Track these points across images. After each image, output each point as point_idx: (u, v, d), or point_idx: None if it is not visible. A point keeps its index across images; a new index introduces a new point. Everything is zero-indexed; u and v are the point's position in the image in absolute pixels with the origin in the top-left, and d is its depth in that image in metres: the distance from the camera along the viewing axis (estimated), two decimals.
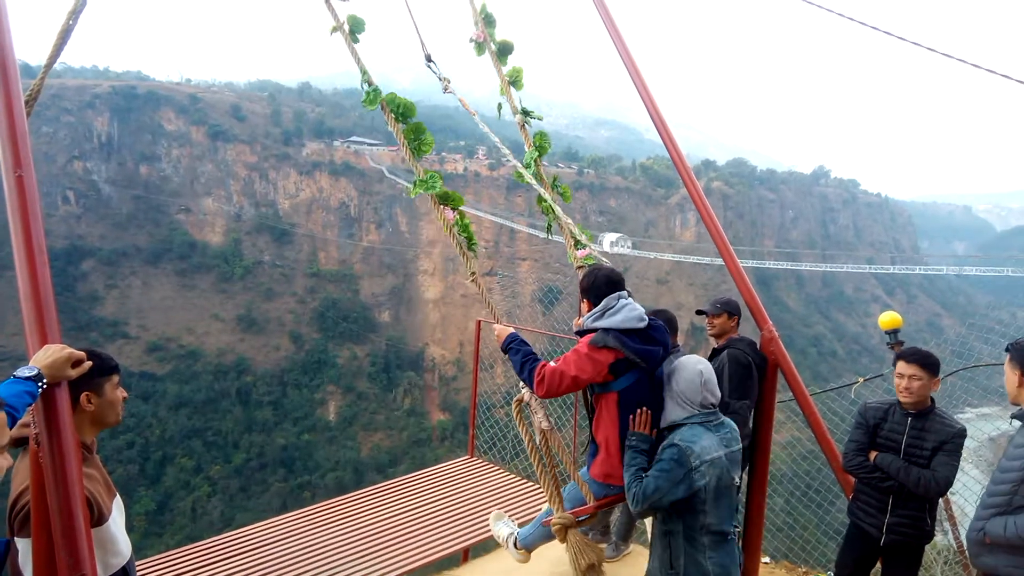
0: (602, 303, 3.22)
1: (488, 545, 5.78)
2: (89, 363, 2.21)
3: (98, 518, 2.25)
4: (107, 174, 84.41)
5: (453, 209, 3.75)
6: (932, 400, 3.63)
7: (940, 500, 3.97)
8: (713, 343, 4.70)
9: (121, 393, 2.51)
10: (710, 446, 2.90)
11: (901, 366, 3.62)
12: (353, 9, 3.81)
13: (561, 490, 3.34)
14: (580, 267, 3.99)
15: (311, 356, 78.97)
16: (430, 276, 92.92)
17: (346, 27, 3.74)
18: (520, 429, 3.37)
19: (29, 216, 2.18)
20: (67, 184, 79.21)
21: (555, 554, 5.49)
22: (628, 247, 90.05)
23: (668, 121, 4.78)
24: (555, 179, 4.36)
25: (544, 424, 3.32)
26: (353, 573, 4.85)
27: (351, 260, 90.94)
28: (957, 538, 4.91)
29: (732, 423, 3.13)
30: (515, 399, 3.41)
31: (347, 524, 5.55)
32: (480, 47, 4.33)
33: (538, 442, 3.36)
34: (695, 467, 2.84)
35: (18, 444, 2.31)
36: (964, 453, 3.59)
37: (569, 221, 4.16)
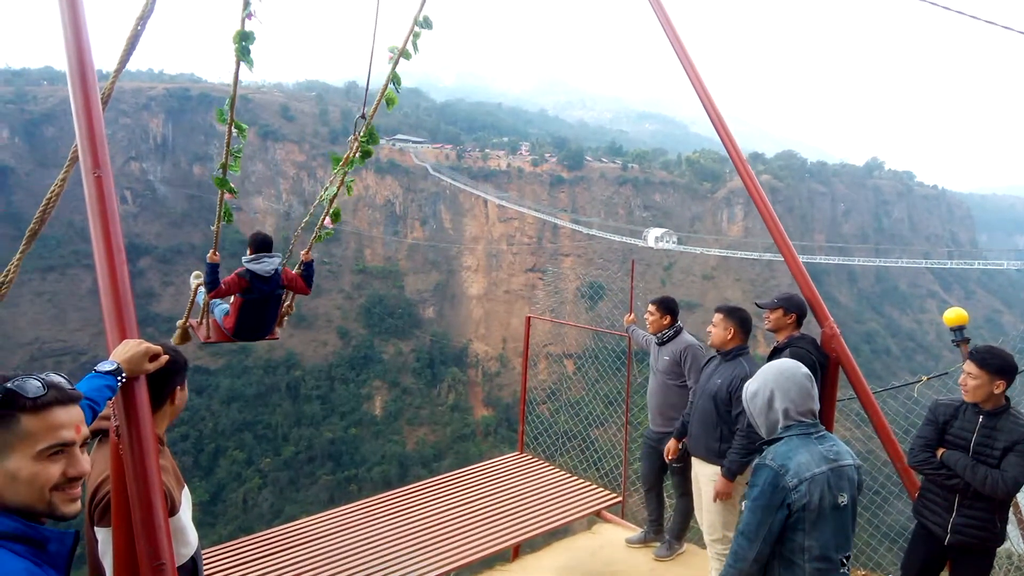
0: (256, 255, 5.63)
1: (537, 543, 5.80)
2: (166, 357, 2.28)
3: (171, 508, 2.31)
4: (162, 174, 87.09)
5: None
6: (1007, 399, 3.51)
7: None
8: (770, 343, 4.63)
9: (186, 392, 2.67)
10: (809, 461, 2.60)
11: (966, 364, 3.55)
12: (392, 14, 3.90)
13: (211, 317, 5.96)
14: (319, 236, 5.37)
15: (358, 352, 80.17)
16: (473, 272, 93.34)
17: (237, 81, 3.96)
18: (192, 296, 5.90)
19: (108, 215, 2.26)
20: (124, 184, 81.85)
21: (608, 554, 5.47)
22: (673, 242, 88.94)
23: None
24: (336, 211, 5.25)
25: (207, 299, 5.72)
26: (405, 568, 4.91)
27: (396, 257, 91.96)
28: None
29: (836, 438, 2.82)
30: (197, 284, 5.85)
31: (398, 519, 5.62)
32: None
33: (200, 301, 5.88)
34: (793, 487, 2.56)
35: (94, 435, 2.39)
36: None
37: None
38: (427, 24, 4.05)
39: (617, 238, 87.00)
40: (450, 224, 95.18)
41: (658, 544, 5.42)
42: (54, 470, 1.49)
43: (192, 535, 2.53)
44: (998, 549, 3.66)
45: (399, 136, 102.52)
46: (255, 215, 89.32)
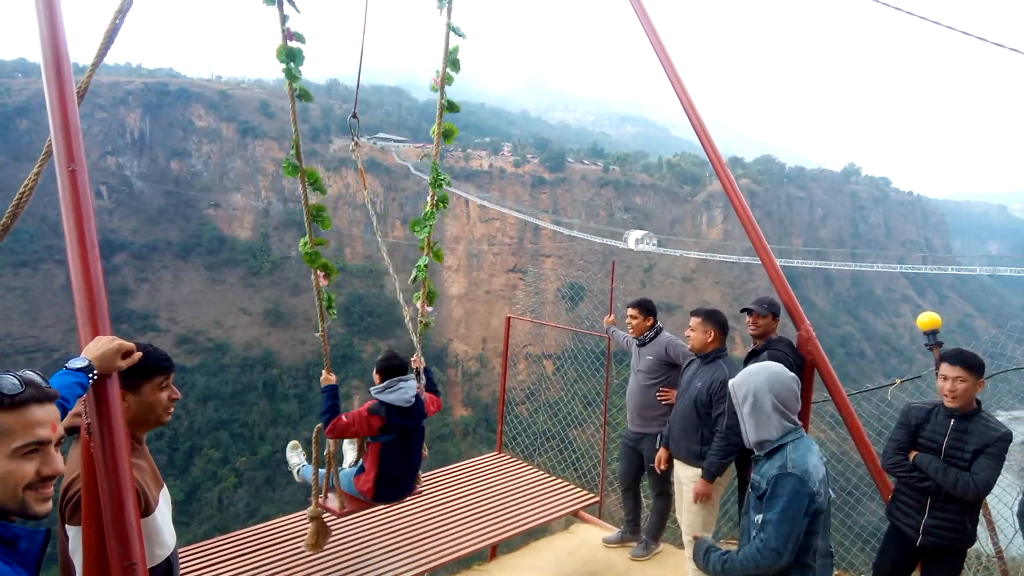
0: (388, 381, 4.35)
1: (514, 543, 5.80)
2: (139, 354, 2.25)
3: (145, 508, 2.28)
4: (139, 169, 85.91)
5: (325, 276, 4.26)
6: (978, 403, 3.57)
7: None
8: (748, 344, 4.69)
9: (170, 394, 2.50)
10: (817, 465, 2.63)
11: (945, 368, 3.57)
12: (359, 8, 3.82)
13: (329, 483, 4.58)
14: (424, 322, 4.92)
15: (336, 351, 79.60)
16: (454, 272, 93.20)
17: (296, 94, 4.01)
18: (314, 448, 4.51)
19: (82, 211, 2.22)
20: (100, 179, 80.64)
21: (583, 554, 5.49)
22: (653, 244, 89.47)
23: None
24: (433, 244, 4.84)
25: (331, 447, 4.50)
26: (381, 568, 4.89)
27: (376, 256, 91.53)
28: (996, 544, 4.80)
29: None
30: (316, 428, 4.37)
31: (375, 518, 5.59)
32: (434, 88, 4.40)
33: (324, 456, 4.51)
34: (816, 492, 2.56)
35: (69, 433, 2.36)
36: None
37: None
38: (460, 33, 4.01)
39: (598, 240, 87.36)
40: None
41: (635, 544, 5.45)
42: (28, 468, 1.48)
43: (169, 536, 2.49)
44: (968, 550, 3.72)
45: (381, 135, 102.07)
46: (233, 212, 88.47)
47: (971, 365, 3.49)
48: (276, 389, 73.43)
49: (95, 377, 2.03)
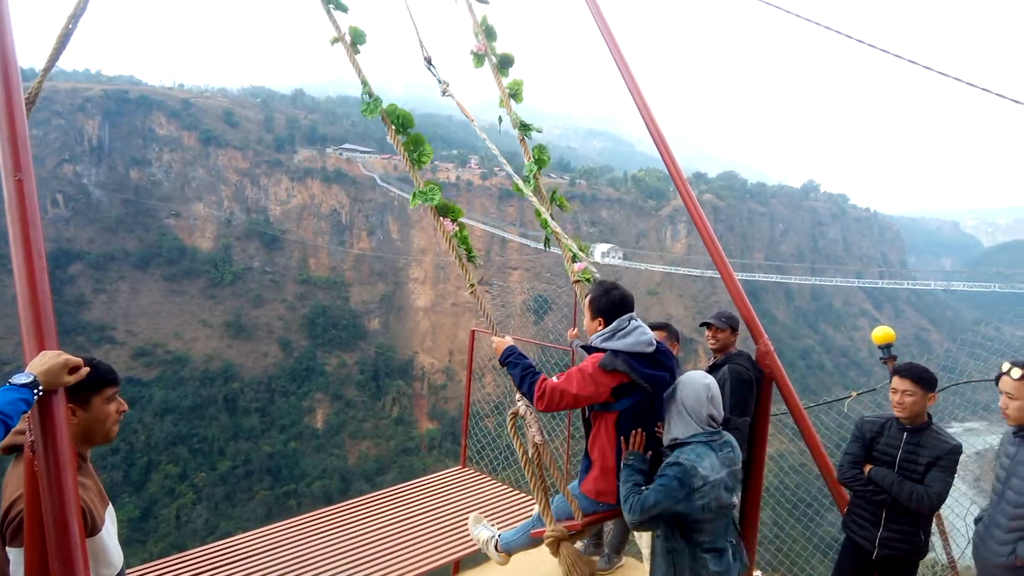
0: (614, 323, 3.18)
1: (479, 557, 5.75)
2: (87, 370, 2.18)
3: (91, 528, 2.21)
4: (97, 178, 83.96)
5: (453, 221, 3.73)
6: (929, 416, 3.66)
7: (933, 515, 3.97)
8: (711, 357, 4.73)
9: (117, 406, 2.43)
10: (713, 466, 2.87)
11: (896, 381, 3.66)
12: (349, 19, 3.82)
13: (548, 503, 3.27)
14: (576, 281, 4.03)
15: (299, 363, 78.54)
16: (421, 284, 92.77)
17: (348, 38, 3.72)
18: (514, 442, 3.33)
19: (28, 221, 2.15)
20: (56, 187, 78.66)
21: (547, 567, 5.47)
22: (619, 258, 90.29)
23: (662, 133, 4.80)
24: (555, 192, 4.33)
25: (538, 438, 3.22)
26: None
27: (342, 267, 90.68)
28: (949, 554, 4.91)
29: (734, 441, 3.08)
30: (511, 412, 3.33)
31: (337, 535, 5.51)
32: (479, 59, 4.32)
33: (531, 455, 3.26)
34: (697, 487, 2.81)
35: (10, 451, 2.27)
36: None
37: (565, 236, 4.17)
38: (491, 35, 3.97)
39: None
40: (397, 235, 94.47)
41: (598, 557, 5.44)
42: None
43: (116, 555, 2.41)
44: (921, 560, 3.80)
45: (346, 145, 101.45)
46: (194, 222, 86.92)
47: (921, 379, 3.58)
48: (237, 403, 72.01)
49: (40, 393, 1.96)
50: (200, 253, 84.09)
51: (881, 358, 5.01)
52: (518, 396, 3.30)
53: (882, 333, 5.02)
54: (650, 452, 3.11)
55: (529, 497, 6.46)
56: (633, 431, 3.11)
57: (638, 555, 5.58)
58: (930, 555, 4.86)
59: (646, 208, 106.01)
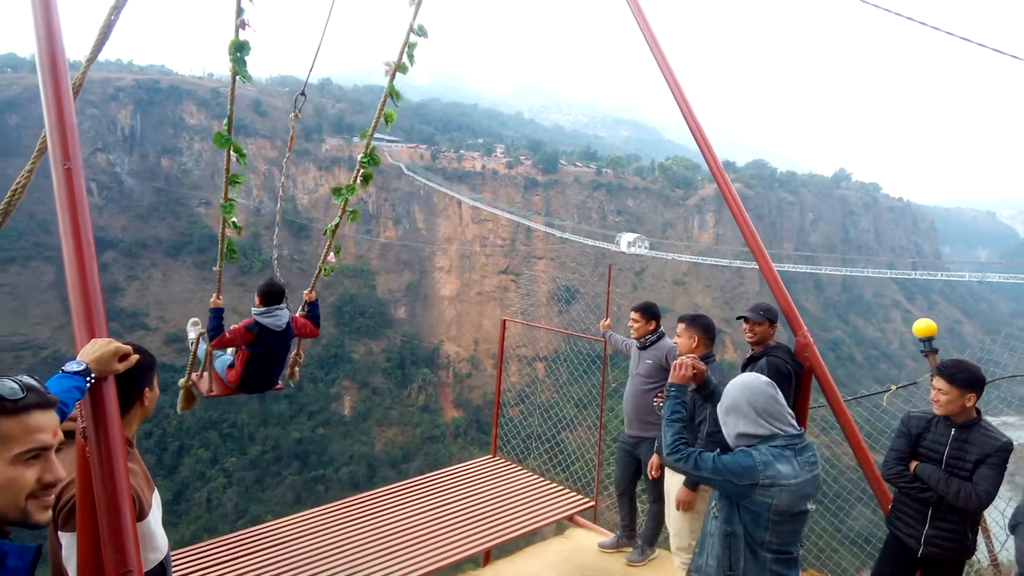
0: (267, 308, 5.16)
1: (509, 547, 5.76)
2: (136, 357, 2.21)
3: (140, 513, 2.24)
4: (129, 166, 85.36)
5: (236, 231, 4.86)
6: (978, 412, 3.57)
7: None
8: (738, 349, 4.66)
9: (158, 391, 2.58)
10: (788, 472, 2.74)
11: (935, 378, 3.61)
12: (354, 9, 3.83)
13: (212, 368, 5.30)
14: (328, 269, 5.55)
15: (327, 351, 79.35)
16: (446, 273, 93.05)
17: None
18: (194, 348, 5.37)
19: (77, 209, 2.17)
20: (90, 176, 79.97)
21: (578, 559, 5.46)
22: (645, 247, 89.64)
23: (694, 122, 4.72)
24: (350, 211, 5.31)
25: (209, 347, 5.15)
26: (375, 572, 4.85)
27: (368, 256, 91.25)
28: (992, 554, 4.80)
29: (814, 447, 2.96)
30: (199, 334, 5.34)
31: (368, 523, 5.56)
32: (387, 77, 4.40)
33: (200, 354, 5.32)
34: (763, 484, 2.72)
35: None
36: None
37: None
38: (422, 32, 4.00)
39: (590, 242, 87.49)
40: (423, 224, 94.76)
41: (630, 549, 5.42)
42: (30, 475, 1.45)
43: (162, 539, 2.45)
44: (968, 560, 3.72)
45: (295, 111, 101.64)
46: None
47: (954, 378, 3.51)
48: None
49: (92, 380, 1.99)
50: (229, 241, 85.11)
51: (922, 351, 4.91)
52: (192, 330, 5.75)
53: (923, 326, 4.91)
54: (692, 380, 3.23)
55: (561, 487, 6.46)
56: (681, 360, 3.29)
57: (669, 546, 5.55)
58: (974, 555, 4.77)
59: (673, 197, 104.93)
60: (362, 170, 4.87)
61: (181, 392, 5.36)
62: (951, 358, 3.78)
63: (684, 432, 3.01)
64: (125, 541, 1.91)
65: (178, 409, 5.44)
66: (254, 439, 67.51)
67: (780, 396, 2.90)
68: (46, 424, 1.49)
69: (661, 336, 5.24)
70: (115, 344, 2.09)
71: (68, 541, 2.11)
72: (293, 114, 4.91)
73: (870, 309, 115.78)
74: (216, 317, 4.98)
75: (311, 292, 5.62)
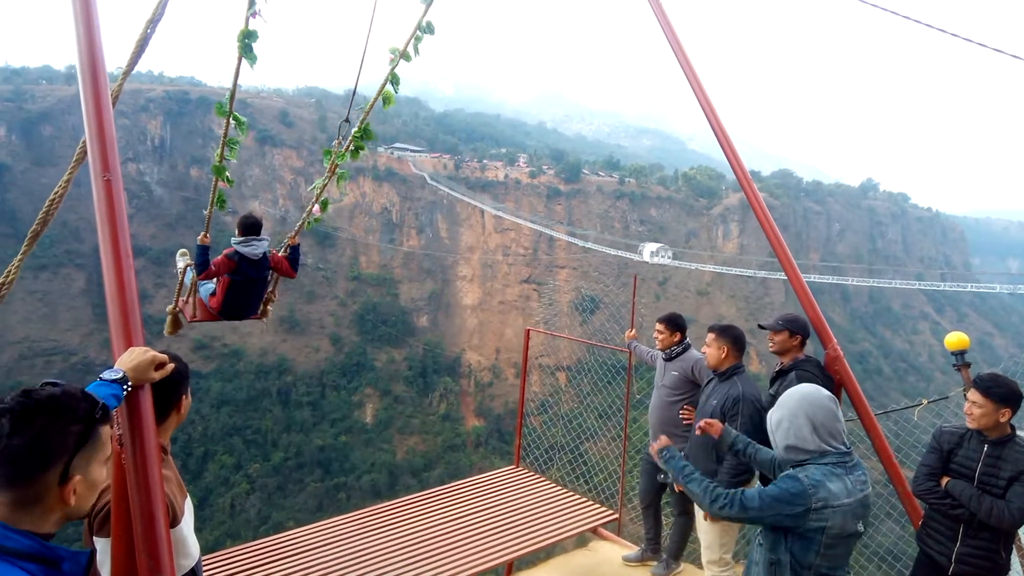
0: (246, 237, 5.54)
1: (532, 559, 5.73)
2: (171, 366, 2.24)
3: (173, 519, 2.27)
4: (159, 176, 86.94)
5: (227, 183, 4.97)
6: (1012, 428, 3.49)
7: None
8: (763, 361, 4.61)
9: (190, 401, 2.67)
10: (839, 491, 2.63)
11: (970, 392, 3.54)
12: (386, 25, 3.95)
13: (197, 295, 5.74)
14: (313, 220, 5.58)
15: (350, 358, 79.88)
16: (468, 282, 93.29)
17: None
18: (180, 279, 5.64)
19: (117, 220, 2.22)
20: (121, 185, 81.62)
21: (604, 570, 5.42)
22: (668, 257, 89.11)
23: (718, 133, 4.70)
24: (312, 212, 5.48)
25: (195, 276, 5.44)
26: None
27: (391, 265, 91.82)
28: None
29: (864, 466, 2.84)
30: (185, 264, 5.60)
31: (393, 532, 5.55)
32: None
33: (187, 283, 5.61)
34: (816, 508, 2.59)
35: None
36: None
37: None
38: (429, 29, 4.10)
39: (613, 252, 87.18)
40: (446, 233, 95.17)
41: (655, 563, 5.37)
42: (107, 474, 1.70)
43: (194, 546, 2.48)
44: None
45: (397, 144, 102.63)
46: None
47: (989, 392, 3.44)
48: (290, 396, 73.69)
49: (129, 388, 2.02)
50: (220, 192, 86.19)
51: (954, 365, 4.82)
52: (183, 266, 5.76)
53: (956, 339, 4.83)
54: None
55: (585, 499, 6.42)
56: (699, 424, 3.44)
57: (695, 561, 5.49)
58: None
59: (696, 207, 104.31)
60: (354, 143, 5.02)
61: (168, 318, 5.72)
62: (987, 372, 3.71)
63: (707, 478, 2.91)
64: (159, 547, 1.94)
65: (165, 332, 5.77)
66: (277, 445, 68.06)
67: (840, 413, 2.79)
68: (111, 431, 1.72)
69: (687, 347, 5.21)
70: (152, 353, 2.13)
71: (102, 546, 2.15)
72: (336, 141, 5.00)
73: (898, 321, 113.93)
74: (203, 253, 5.28)
75: (294, 237, 5.92)
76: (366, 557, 5.16)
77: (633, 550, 5.63)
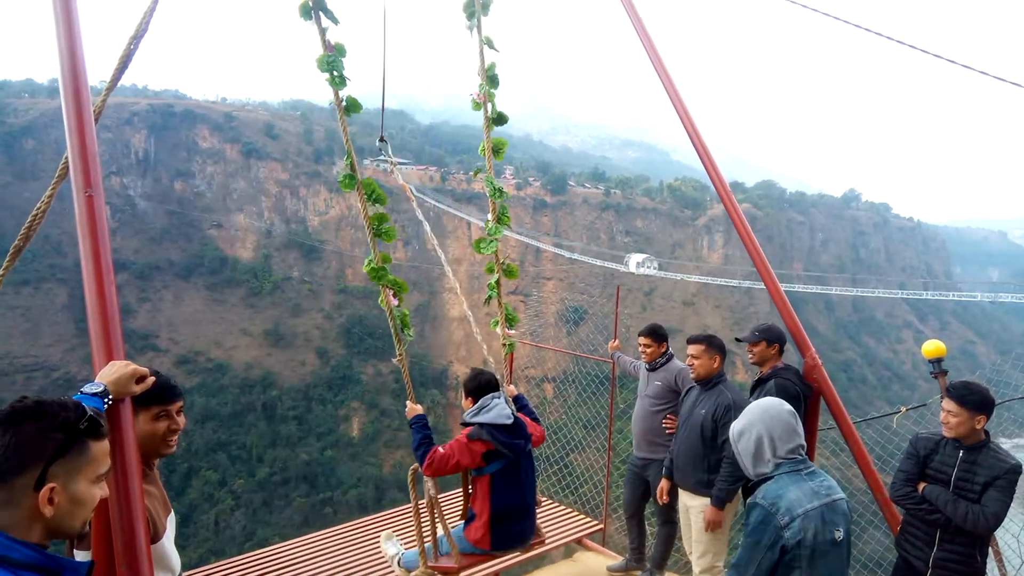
0: (480, 402, 3.88)
1: (517, 570, 5.73)
2: (152, 379, 2.25)
3: (154, 535, 2.27)
4: (143, 189, 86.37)
5: (395, 294, 4.06)
6: (987, 434, 3.56)
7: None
8: (748, 370, 4.67)
9: (169, 424, 2.48)
10: (800, 498, 2.61)
11: (944, 400, 3.61)
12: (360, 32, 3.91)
13: (437, 541, 3.97)
14: (504, 343, 4.56)
15: (336, 372, 79.43)
16: (455, 294, 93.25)
17: (343, 104, 3.71)
18: (411, 492, 4.02)
19: (98, 235, 2.23)
20: (104, 199, 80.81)
21: None
22: (654, 268, 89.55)
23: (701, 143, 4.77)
24: (504, 261, 4.54)
25: (433, 492, 3.89)
26: None
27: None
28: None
29: (824, 474, 2.83)
30: (411, 468, 3.98)
31: (376, 545, 5.54)
32: (478, 106, 4.40)
33: (427, 503, 3.93)
34: (785, 525, 2.56)
35: None
36: None
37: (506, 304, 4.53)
38: (494, 83, 4.09)
39: (599, 263, 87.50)
40: (432, 245, 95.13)
41: (640, 572, 5.39)
42: (100, 495, 1.65)
43: (175, 561, 2.48)
44: None
45: (382, 157, 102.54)
46: (236, 232, 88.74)
47: (964, 400, 3.50)
48: (275, 411, 73.05)
49: (110, 402, 2.03)
50: (241, 263, 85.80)
51: (931, 372, 4.89)
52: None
53: (933, 347, 4.90)
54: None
55: (570, 510, 6.43)
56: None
57: (681, 570, 5.51)
58: None
59: (682, 218, 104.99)
60: (497, 206, 4.56)
61: None
62: (960, 380, 3.78)
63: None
64: (139, 562, 1.95)
65: None
66: (262, 461, 67.38)
67: (800, 427, 2.81)
68: (107, 447, 1.68)
69: (670, 358, 5.27)
70: (133, 366, 2.14)
71: (83, 559, 2.15)
72: (387, 159, 4.77)
73: (882, 329, 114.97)
74: (422, 427, 3.89)
75: (511, 386, 4.40)
76: (349, 571, 5.14)
77: (618, 560, 5.65)
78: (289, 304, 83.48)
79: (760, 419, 2.79)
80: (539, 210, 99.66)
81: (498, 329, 4.50)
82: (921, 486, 3.64)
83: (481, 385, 3.97)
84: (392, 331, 4.01)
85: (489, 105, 4.33)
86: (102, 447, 1.63)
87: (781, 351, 4.39)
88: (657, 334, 5.29)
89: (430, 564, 3.86)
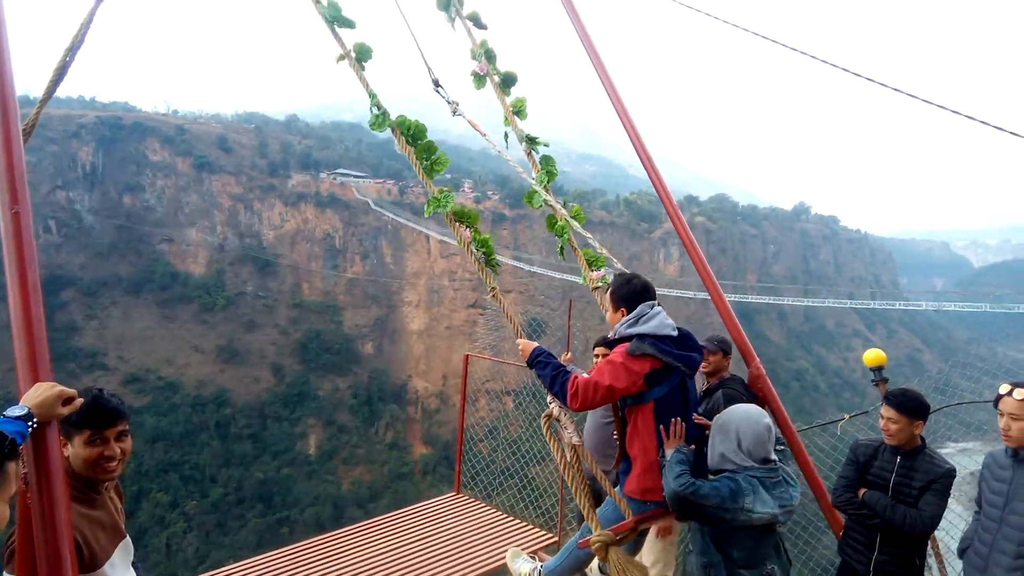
0: (636, 310, 3.20)
1: None
2: (80, 400, 2.18)
3: (90, 563, 2.20)
4: (90, 204, 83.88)
5: (468, 227, 3.72)
6: (922, 440, 3.68)
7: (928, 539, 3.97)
8: (703, 381, 4.74)
9: (103, 450, 2.33)
10: (766, 501, 2.91)
11: (883, 408, 3.72)
12: (353, 36, 3.89)
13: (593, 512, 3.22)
14: (595, 288, 4.15)
15: (292, 388, 77.98)
16: (415, 308, 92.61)
17: (353, 55, 3.77)
18: (551, 445, 3.30)
19: (24, 254, 2.17)
20: (49, 213, 78.46)
21: None
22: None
23: (653, 157, 4.86)
24: (565, 202, 4.44)
25: (575, 439, 3.22)
26: None
27: (335, 291, 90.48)
28: None
29: (788, 482, 3.06)
30: (544, 414, 3.31)
31: (332, 564, 5.45)
32: (480, 80, 4.39)
33: (569, 458, 3.23)
34: (745, 508, 2.87)
35: None
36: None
37: (589, 237, 4.39)
38: (521, 113, 4.03)
39: (558, 275, 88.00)
40: (391, 259, 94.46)
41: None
42: (7, 514, 1.72)
43: None
44: None
45: (340, 170, 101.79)
46: (187, 247, 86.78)
47: (903, 407, 3.62)
48: (229, 429, 71.30)
49: (35, 425, 1.96)
50: (193, 278, 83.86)
51: (873, 380, 5.04)
52: (550, 398, 3.27)
53: (873, 355, 5.05)
54: (693, 445, 3.18)
55: (524, 523, 6.42)
56: (672, 420, 3.06)
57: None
58: None
59: (639, 231, 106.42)
60: (535, 153, 4.37)
61: (613, 558, 3.02)
62: (898, 387, 3.90)
63: (687, 473, 3.00)
64: None
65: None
66: (216, 481, 65.64)
67: (771, 442, 3.04)
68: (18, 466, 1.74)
69: None
70: (59, 388, 2.07)
71: None
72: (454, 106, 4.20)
73: (832, 339, 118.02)
74: (547, 356, 3.22)
75: (568, 353, 3.67)
76: None
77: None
78: (243, 320, 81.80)
79: (740, 422, 3.04)
80: (498, 223, 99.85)
81: (592, 274, 4.14)
82: (861, 491, 3.74)
83: (637, 291, 3.29)
84: (476, 266, 3.68)
85: (496, 76, 4.25)
86: (13, 467, 1.70)
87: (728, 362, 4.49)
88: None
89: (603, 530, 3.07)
